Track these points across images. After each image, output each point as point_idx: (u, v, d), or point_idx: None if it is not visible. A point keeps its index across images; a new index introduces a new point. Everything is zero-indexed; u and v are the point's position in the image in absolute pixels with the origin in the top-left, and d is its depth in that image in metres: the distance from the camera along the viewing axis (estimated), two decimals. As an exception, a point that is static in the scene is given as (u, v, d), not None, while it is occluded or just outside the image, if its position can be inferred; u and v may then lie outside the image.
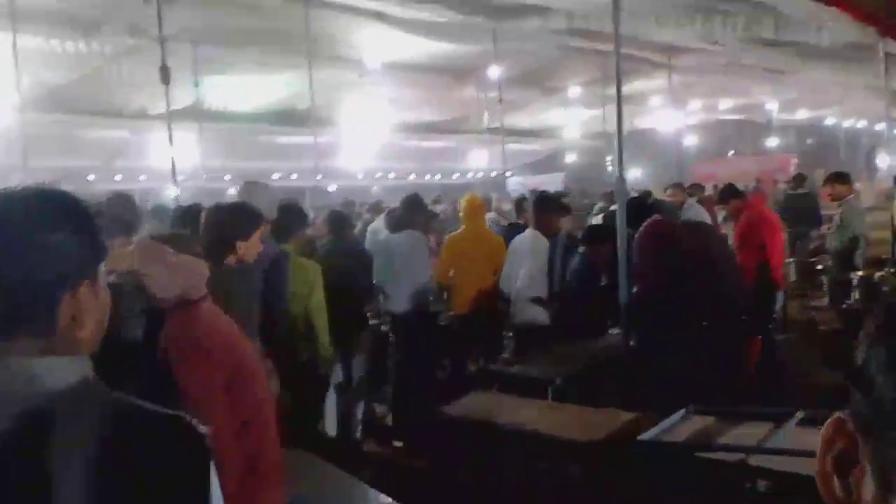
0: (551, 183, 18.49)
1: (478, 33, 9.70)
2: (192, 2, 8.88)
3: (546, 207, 5.26)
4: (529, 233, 5.03)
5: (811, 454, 1.95)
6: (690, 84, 13.91)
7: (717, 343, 3.83)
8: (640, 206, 4.52)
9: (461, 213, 6.04)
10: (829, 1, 5.10)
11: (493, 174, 19.03)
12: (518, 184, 17.30)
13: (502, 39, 10.16)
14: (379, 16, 9.42)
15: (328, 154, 15.04)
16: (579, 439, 2.99)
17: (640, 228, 4.01)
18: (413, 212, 5.51)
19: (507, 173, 18.83)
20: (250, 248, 3.06)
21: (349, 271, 5.01)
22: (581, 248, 4.84)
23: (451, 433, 3.47)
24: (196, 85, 11.26)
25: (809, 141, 24.29)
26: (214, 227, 3.12)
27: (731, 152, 25.06)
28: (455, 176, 24.00)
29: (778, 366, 4.78)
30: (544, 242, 4.90)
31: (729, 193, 5.91)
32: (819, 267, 6.93)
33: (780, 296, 5.99)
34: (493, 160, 19.06)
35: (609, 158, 21.07)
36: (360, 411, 5.24)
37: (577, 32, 9.52)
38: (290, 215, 4.38)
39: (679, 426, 2.89)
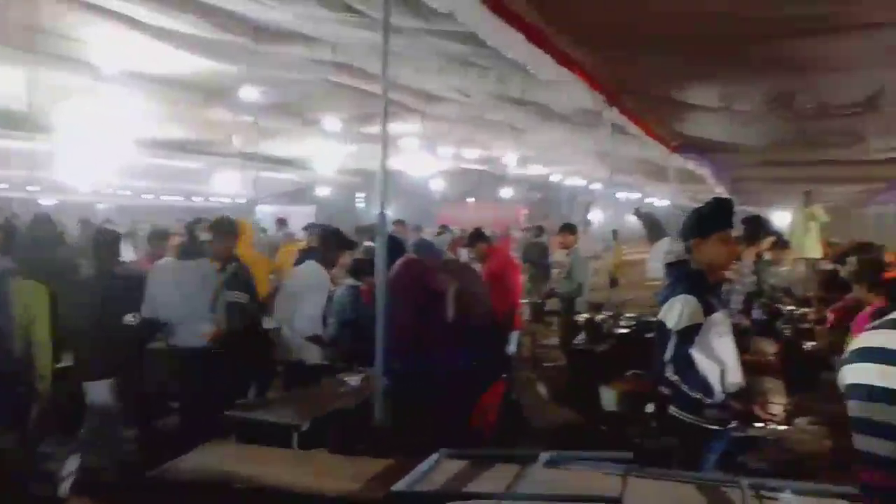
0: (303, 215, 18.18)
1: (236, 53, 9.19)
2: None
3: (334, 242, 5.16)
4: (314, 266, 4.84)
5: (559, 498, 1.89)
6: (441, 132, 14.62)
7: (468, 384, 3.89)
8: (395, 243, 4.50)
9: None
10: (570, 67, 5.55)
11: (243, 201, 18.21)
12: (268, 213, 16.75)
13: (262, 64, 9.76)
14: (123, 18, 8.49)
15: (46, 164, 13.17)
16: (328, 492, 2.77)
17: (394, 267, 3.97)
18: (199, 238, 5.26)
19: (258, 201, 18.16)
20: None
21: (121, 301, 4.50)
22: (349, 282, 4.78)
23: (177, 492, 3.02)
24: None
25: (538, 195, 27.02)
26: None
27: (472, 199, 26.91)
28: (198, 199, 22.54)
29: (516, 404, 5.00)
30: (328, 277, 4.79)
31: (477, 237, 6.22)
32: (549, 309, 7.55)
33: (515, 336, 6.37)
34: (242, 187, 18.25)
35: (362, 195, 21.42)
36: (72, 464, 4.47)
37: (340, 67, 9.47)
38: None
39: (433, 473, 2.79)
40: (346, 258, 5.27)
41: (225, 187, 19.13)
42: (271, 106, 13.03)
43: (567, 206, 25.67)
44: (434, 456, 2.93)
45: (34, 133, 11.61)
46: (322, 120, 15.02)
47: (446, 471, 2.82)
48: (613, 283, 8.76)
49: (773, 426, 3.04)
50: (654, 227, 12.94)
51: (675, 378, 2.87)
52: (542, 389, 4.99)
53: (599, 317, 6.44)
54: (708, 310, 2.92)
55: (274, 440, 3.55)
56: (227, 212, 17.13)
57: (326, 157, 18.39)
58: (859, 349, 1.90)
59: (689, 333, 2.88)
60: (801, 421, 3.09)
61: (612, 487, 2.59)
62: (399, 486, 2.61)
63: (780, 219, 15.65)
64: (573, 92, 6.72)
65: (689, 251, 3.02)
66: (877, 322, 1.94)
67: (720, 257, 3.01)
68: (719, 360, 2.94)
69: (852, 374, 1.90)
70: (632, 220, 19.04)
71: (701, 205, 3.07)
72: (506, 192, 25.01)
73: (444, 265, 4.67)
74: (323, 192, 23.57)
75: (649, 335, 6.34)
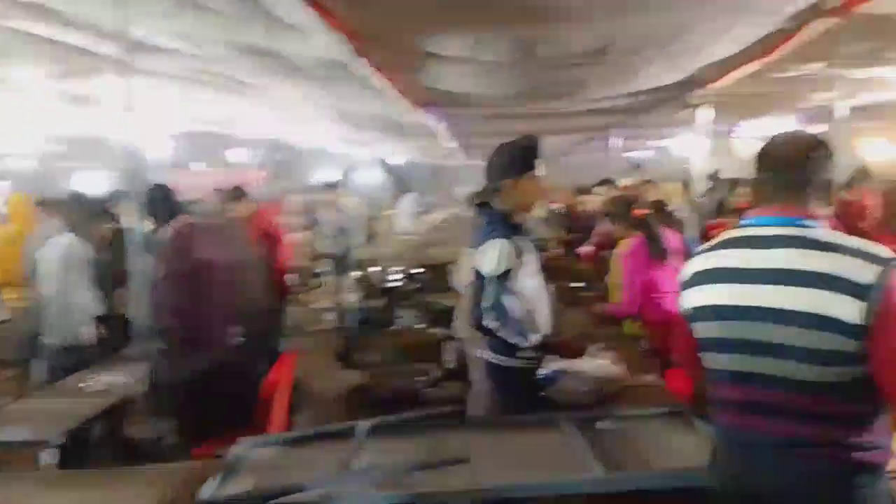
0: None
1: None
2: None
3: (90, 212, 4.71)
4: (67, 238, 4.21)
5: (404, 468, 1.64)
6: (161, 88, 13.15)
7: (252, 361, 3.49)
8: (166, 197, 3.90)
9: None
10: (320, 11, 5.18)
11: None
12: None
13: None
14: None
15: None
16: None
17: (170, 229, 3.42)
18: None
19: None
20: None
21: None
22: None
23: None
24: None
25: (278, 157, 25.73)
26: None
27: (199, 164, 24.96)
28: None
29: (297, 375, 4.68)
30: (86, 250, 4.14)
31: (240, 195, 5.63)
32: (318, 270, 7.24)
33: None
34: None
35: (69, 165, 18.76)
36: None
37: (29, 9, 7.88)
38: None
39: (241, 469, 2.41)
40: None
41: None
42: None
43: (308, 166, 24.87)
44: (236, 448, 2.55)
45: None
46: (9, 78, 12.63)
47: (257, 463, 2.47)
48: (370, 238, 8.68)
49: (577, 358, 3.15)
50: (400, 182, 13.19)
51: (495, 325, 2.80)
52: (322, 355, 4.72)
53: (370, 272, 6.33)
54: (518, 252, 2.88)
55: (20, 463, 2.84)
56: None
57: (18, 123, 15.65)
58: (700, 272, 1.94)
59: (506, 278, 2.81)
60: (592, 349, 3.25)
61: (443, 446, 2.47)
62: (206, 492, 2.20)
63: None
64: (318, 41, 6.34)
65: (495, 192, 2.94)
66: (706, 245, 2.00)
67: (532, 197, 2.99)
68: (530, 301, 2.93)
69: (695, 296, 1.94)
70: (373, 176, 19.19)
71: (503, 145, 2.99)
72: (238, 155, 23.46)
73: (211, 227, 4.13)
74: (18, 163, 20.05)
75: (416, 286, 6.42)
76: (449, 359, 4.60)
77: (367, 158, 22.51)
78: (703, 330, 1.95)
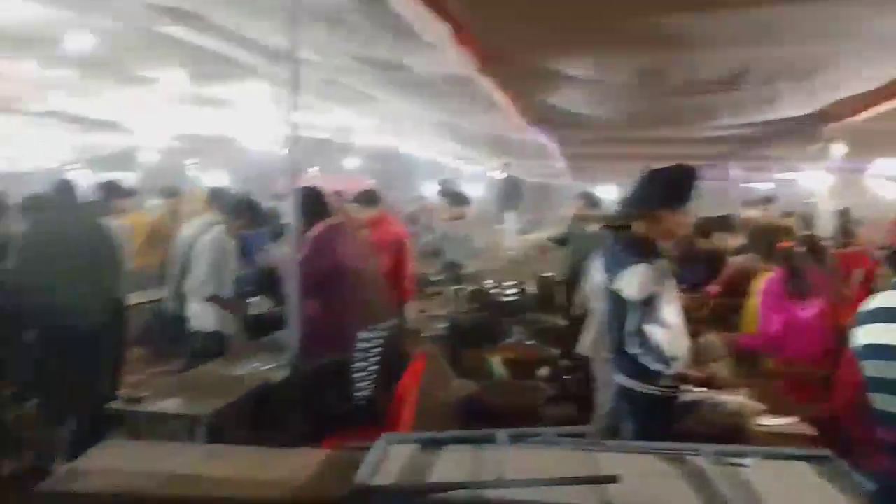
0: (126, 183, 16.38)
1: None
2: None
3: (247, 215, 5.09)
4: (217, 231, 4.82)
5: (559, 482, 1.65)
6: (284, 95, 13.71)
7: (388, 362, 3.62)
8: (318, 199, 4.15)
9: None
10: (452, 24, 5.28)
11: (54, 166, 16.16)
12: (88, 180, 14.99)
13: (83, 9, 8.46)
14: None
15: None
16: (274, 497, 2.39)
17: (321, 226, 3.63)
18: None
19: (69, 167, 16.22)
20: None
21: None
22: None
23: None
24: None
25: (383, 166, 26.35)
26: None
27: (314, 170, 25.89)
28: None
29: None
30: (230, 242, 4.55)
31: (370, 199, 5.87)
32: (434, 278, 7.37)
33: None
34: (51, 150, 16.13)
35: (190, 161, 19.87)
36: None
37: (177, 14, 8.40)
38: None
39: (386, 462, 2.52)
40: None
41: (28, 151, 16.82)
42: (83, 59, 11.47)
43: (418, 177, 25.31)
44: (380, 442, 2.66)
45: None
46: (146, 78, 13.54)
47: (400, 459, 2.56)
48: (479, 252, 8.78)
49: (714, 389, 3.10)
50: (511, 197, 13.28)
51: (637, 351, 2.80)
52: (443, 362, 4.81)
53: (486, 284, 6.42)
54: (661, 277, 2.87)
55: (174, 434, 3.07)
56: (36, 177, 15.16)
57: (152, 119, 16.79)
58: (878, 310, 1.90)
59: (649, 303, 2.81)
60: (730, 382, 3.18)
61: (580, 464, 2.48)
62: (360, 479, 2.31)
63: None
64: (446, 57, 6.46)
65: (651, 219, 2.93)
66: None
67: (681, 229, 2.98)
68: (671, 328, 2.91)
69: (869, 334, 1.90)
70: (480, 190, 19.29)
71: (662, 171, 2.98)
72: (350, 163, 24.26)
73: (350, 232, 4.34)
74: (148, 157, 21.42)
75: (526, 303, 6.45)
76: (563, 378, 4.60)
77: (471, 172, 22.77)
78: (873, 369, 1.90)
